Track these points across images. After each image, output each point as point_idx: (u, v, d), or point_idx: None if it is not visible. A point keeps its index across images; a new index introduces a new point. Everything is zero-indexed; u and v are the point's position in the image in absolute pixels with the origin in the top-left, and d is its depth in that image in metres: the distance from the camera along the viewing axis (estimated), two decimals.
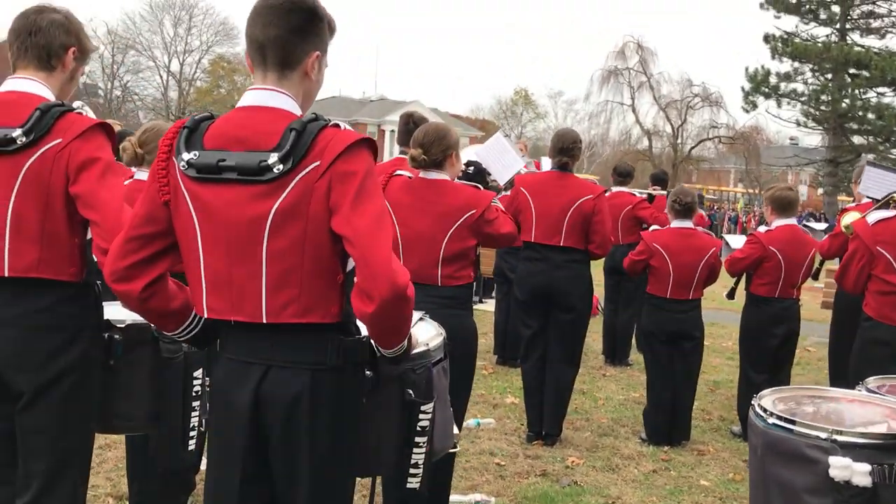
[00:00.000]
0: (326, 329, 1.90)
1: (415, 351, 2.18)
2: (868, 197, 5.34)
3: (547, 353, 5.00)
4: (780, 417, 2.17)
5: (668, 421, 5.22)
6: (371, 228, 1.79)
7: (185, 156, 1.85)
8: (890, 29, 35.26)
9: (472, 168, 3.75)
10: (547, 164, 5.71)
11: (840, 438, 2.05)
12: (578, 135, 5.06)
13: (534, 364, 5.04)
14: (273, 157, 1.80)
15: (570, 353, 4.99)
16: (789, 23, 36.19)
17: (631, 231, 7.31)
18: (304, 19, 1.92)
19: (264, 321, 1.86)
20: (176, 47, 51.68)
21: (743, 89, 36.54)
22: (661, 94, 40.98)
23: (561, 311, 4.88)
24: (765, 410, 2.23)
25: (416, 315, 2.74)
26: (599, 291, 8.57)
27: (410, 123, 4.07)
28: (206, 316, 1.94)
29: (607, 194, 7.94)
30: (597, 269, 8.36)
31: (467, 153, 4.47)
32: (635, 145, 43.23)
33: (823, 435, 2.05)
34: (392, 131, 48.00)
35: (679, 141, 41.29)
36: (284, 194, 1.81)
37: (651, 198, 7.68)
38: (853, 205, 5.70)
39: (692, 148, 41.47)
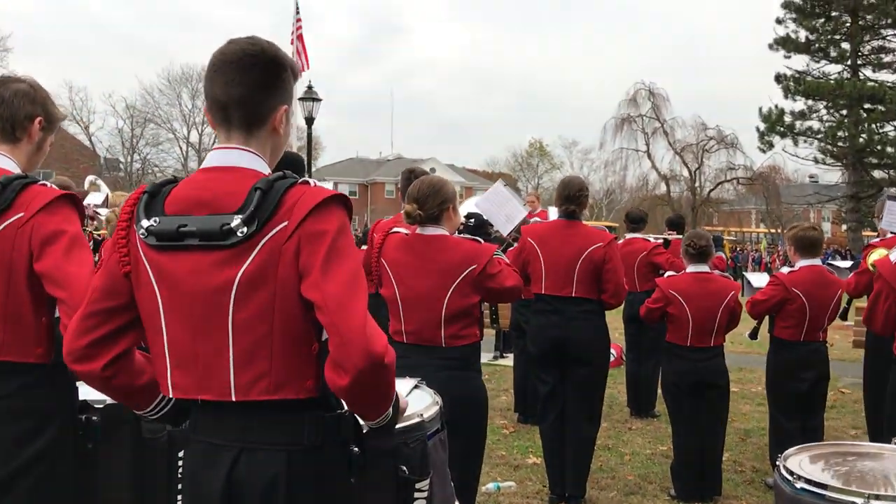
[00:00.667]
0: (302, 405, 1.74)
1: (408, 423, 2.02)
2: (892, 232, 5.15)
3: (566, 410, 4.78)
4: (809, 481, 1.96)
5: (697, 476, 4.96)
6: (342, 292, 1.65)
7: (145, 223, 1.73)
8: None
9: (472, 220, 3.61)
10: (554, 213, 5.56)
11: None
12: (584, 182, 4.93)
13: (553, 422, 4.82)
14: (236, 220, 1.67)
15: (590, 410, 4.77)
16: (800, 62, 36.35)
17: (647, 278, 7.12)
18: (268, 73, 1.82)
19: (233, 399, 1.72)
20: (194, 118, 52.82)
21: (758, 129, 36.61)
22: (676, 138, 41.02)
23: (577, 366, 4.67)
24: (792, 474, 2.02)
25: (411, 382, 2.59)
26: (622, 341, 8.38)
27: (412, 178, 3.95)
28: (170, 395, 1.79)
29: (621, 241, 7.86)
30: (617, 318, 8.21)
31: (467, 205, 4.34)
32: (653, 191, 43.14)
33: (860, 501, 1.84)
34: None
35: (697, 184, 41.13)
36: (250, 259, 1.68)
37: (667, 243, 7.50)
38: (878, 240, 5.49)
39: (711, 190, 41.27)
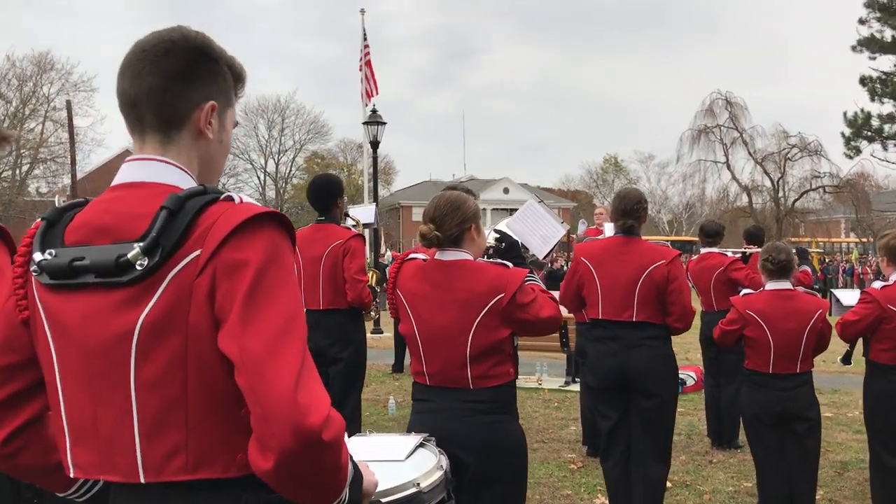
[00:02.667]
0: (234, 485, 1.35)
1: (401, 495, 1.61)
2: None
3: (631, 447, 4.29)
4: None
5: None
6: (266, 346, 1.25)
7: (38, 257, 1.37)
8: None
9: (503, 243, 3.16)
10: (610, 229, 5.07)
11: None
12: (643, 194, 4.44)
13: (617, 461, 4.33)
14: (134, 249, 1.29)
15: (658, 447, 4.25)
16: (886, 63, 34.63)
17: (725, 295, 6.51)
18: (189, 62, 1.44)
19: (142, 480, 1.33)
20: (271, 148, 54.10)
21: (843, 135, 35.04)
22: (756, 148, 39.45)
23: (642, 398, 4.18)
24: None
25: (417, 439, 2.18)
26: (701, 362, 7.77)
27: None
28: (72, 475, 1.42)
29: (696, 256, 7.29)
30: (695, 337, 7.61)
31: (500, 227, 3.91)
32: (734, 202, 41.65)
33: None
34: (484, 209, 47.90)
35: (780, 194, 39.46)
36: (153, 300, 1.30)
37: (746, 257, 6.90)
38: None
39: (795, 200, 39.52)
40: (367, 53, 20.81)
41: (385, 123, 18.22)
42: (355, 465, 1.43)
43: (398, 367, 11.36)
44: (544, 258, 3.88)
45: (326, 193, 5.15)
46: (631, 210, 4.23)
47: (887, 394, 4.39)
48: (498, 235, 3.27)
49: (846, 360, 4.89)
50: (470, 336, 2.75)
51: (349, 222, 5.48)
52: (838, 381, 9.38)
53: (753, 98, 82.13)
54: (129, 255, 1.29)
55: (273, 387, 1.24)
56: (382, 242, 28.22)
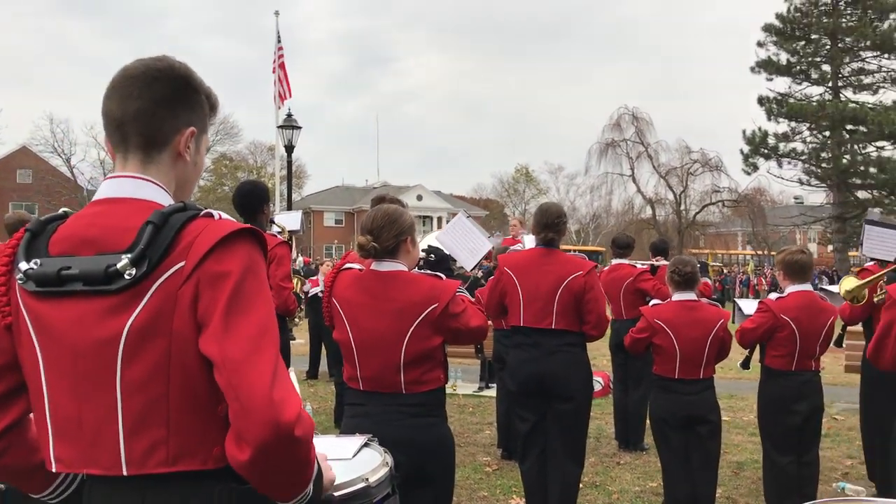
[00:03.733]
0: (210, 476, 1.47)
1: (351, 489, 1.74)
2: (872, 259, 4.94)
3: (548, 449, 4.50)
4: None
5: None
6: (245, 349, 1.39)
7: (24, 266, 1.46)
8: (882, 84, 35.51)
9: (432, 255, 3.32)
10: (531, 241, 5.31)
11: None
12: (563, 209, 4.67)
13: (534, 462, 4.53)
14: (123, 260, 1.41)
15: (573, 449, 4.48)
16: (782, 84, 36.59)
17: (634, 305, 6.87)
18: (174, 90, 1.57)
19: (125, 473, 1.44)
20: None
21: (742, 152, 36.69)
22: (661, 162, 41.02)
23: (559, 402, 4.39)
24: None
25: (361, 440, 2.31)
26: (609, 368, 8.10)
27: None
28: (54, 469, 1.51)
29: (607, 267, 7.62)
30: (605, 344, 7.94)
31: (427, 239, 4.07)
32: (639, 214, 43.06)
33: None
34: None
35: (682, 207, 41.09)
36: (140, 307, 1.42)
37: (654, 269, 7.26)
38: (870, 263, 5.29)
39: (696, 213, 41.23)
40: (281, 56, 20.68)
41: (300, 127, 18.13)
42: (318, 462, 1.56)
43: (313, 373, 11.36)
44: (472, 270, 4.05)
45: (253, 200, 5.17)
46: (552, 224, 4.45)
47: (779, 397, 4.74)
48: (429, 250, 3.42)
49: (745, 364, 5.25)
50: (404, 343, 2.90)
51: (274, 229, 5.51)
52: (734, 386, 9.92)
53: (659, 114, 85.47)
54: (119, 266, 1.41)
55: (251, 385, 1.37)
56: (294, 247, 27.95)
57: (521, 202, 66.60)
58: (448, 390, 10.17)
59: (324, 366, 11.21)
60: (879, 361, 3.31)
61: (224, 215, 1.52)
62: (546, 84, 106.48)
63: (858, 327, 5.70)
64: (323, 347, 10.58)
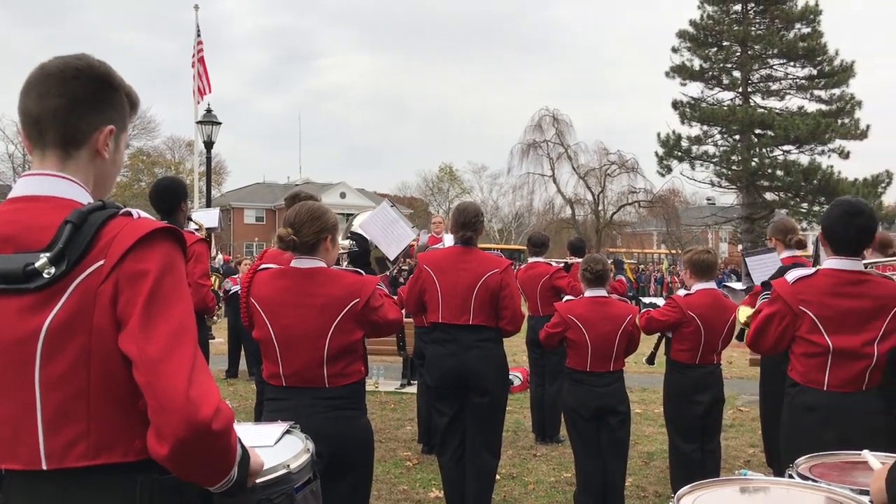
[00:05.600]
0: (133, 467, 1.51)
1: (272, 476, 1.80)
2: (745, 291, 5.27)
3: (466, 441, 4.62)
4: None
5: (599, 503, 4.87)
6: (162, 347, 1.43)
7: None
8: (788, 91, 37.13)
9: (354, 243, 3.40)
10: (450, 239, 5.43)
11: None
12: (480, 208, 4.81)
13: (452, 455, 4.65)
14: (42, 259, 1.43)
15: (490, 441, 4.62)
16: (695, 89, 37.84)
17: (549, 302, 7.04)
18: (93, 88, 1.59)
19: (44, 468, 1.46)
20: None
21: (657, 154, 37.76)
22: (580, 163, 41.86)
23: (476, 395, 4.52)
24: None
25: (283, 426, 2.37)
26: (528, 364, 8.30)
27: (295, 203, 3.73)
28: None
29: (524, 265, 7.81)
30: (523, 341, 8.13)
31: (353, 227, 4.13)
32: (559, 214, 43.83)
33: None
34: None
35: (600, 208, 42.04)
36: (59, 305, 1.44)
37: (568, 267, 7.49)
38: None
39: (613, 214, 42.25)
40: (201, 50, 20.32)
41: (220, 123, 17.84)
42: (244, 447, 1.62)
43: (233, 372, 11.24)
44: (394, 259, 4.12)
45: (170, 196, 5.12)
46: (469, 223, 4.58)
47: (684, 388, 5.00)
48: (353, 236, 3.49)
49: (650, 360, 5.49)
50: (328, 338, 2.97)
51: (192, 226, 5.47)
52: (647, 380, 10.27)
53: (579, 115, 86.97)
54: (37, 265, 1.43)
55: (168, 383, 1.41)
56: (213, 245, 27.46)
57: (445, 201, 66.90)
58: (370, 388, 10.27)
59: (243, 364, 11.10)
60: (760, 348, 3.56)
61: (143, 214, 1.55)
62: (470, 84, 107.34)
63: None
64: (242, 346, 10.48)
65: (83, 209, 1.50)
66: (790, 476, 2.31)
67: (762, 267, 5.29)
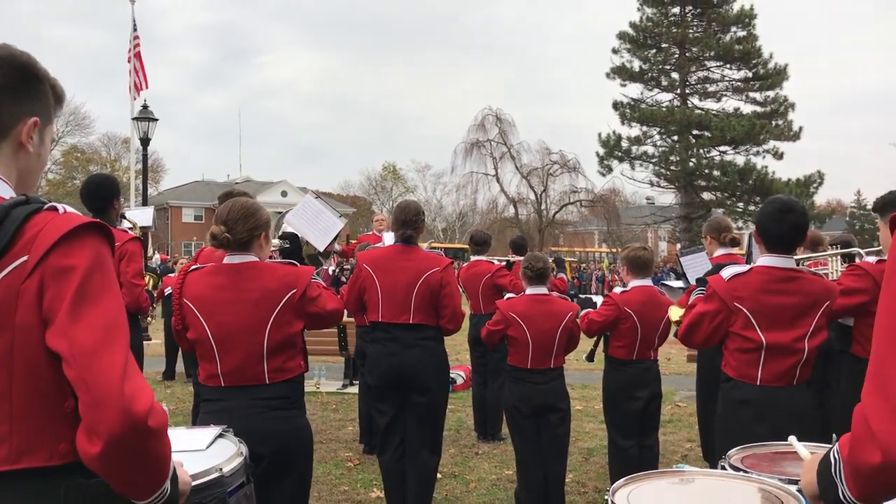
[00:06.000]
0: (57, 472, 1.45)
1: (205, 479, 1.75)
2: (682, 289, 5.39)
3: (406, 440, 4.60)
4: None
5: (541, 500, 4.90)
6: (94, 341, 1.38)
7: None
8: (724, 93, 38.03)
9: (286, 241, 3.36)
10: (390, 238, 5.41)
11: None
12: (420, 206, 4.79)
13: (393, 454, 4.62)
14: None
15: (430, 439, 4.61)
16: (635, 90, 38.47)
17: (491, 300, 7.07)
18: (14, 78, 1.53)
19: None
20: None
21: (598, 154, 38.26)
22: (523, 163, 42.31)
23: (416, 394, 4.51)
24: None
25: (215, 430, 2.32)
26: (470, 363, 8.32)
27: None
28: None
29: (466, 264, 7.83)
30: (465, 340, 8.15)
31: (281, 226, 4.07)
32: (502, 213, 44.17)
33: None
34: None
35: (543, 207, 42.50)
36: None
37: (510, 265, 7.53)
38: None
39: (556, 213, 42.77)
40: (137, 45, 19.87)
41: (157, 119, 17.48)
42: (173, 464, 1.56)
43: (170, 374, 11.02)
44: (325, 250, 4.06)
45: (102, 194, 4.98)
46: (409, 221, 4.55)
47: (622, 384, 5.06)
48: (283, 236, 3.45)
49: (590, 357, 5.56)
50: (266, 332, 2.92)
51: (125, 225, 5.33)
52: (587, 377, 10.39)
53: (522, 115, 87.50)
54: None
55: (102, 377, 1.36)
56: (150, 244, 26.87)
57: (388, 200, 66.65)
58: (312, 388, 10.17)
59: (180, 366, 10.89)
60: (691, 342, 3.63)
61: (69, 209, 1.49)
62: (414, 83, 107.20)
63: None
64: (180, 348, 10.29)
65: (6, 204, 1.44)
66: (722, 467, 2.36)
67: (695, 265, 5.40)
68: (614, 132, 37.84)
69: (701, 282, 4.11)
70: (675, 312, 4.63)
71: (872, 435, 1.31)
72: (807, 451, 1.99)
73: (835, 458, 1.45)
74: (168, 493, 1.51)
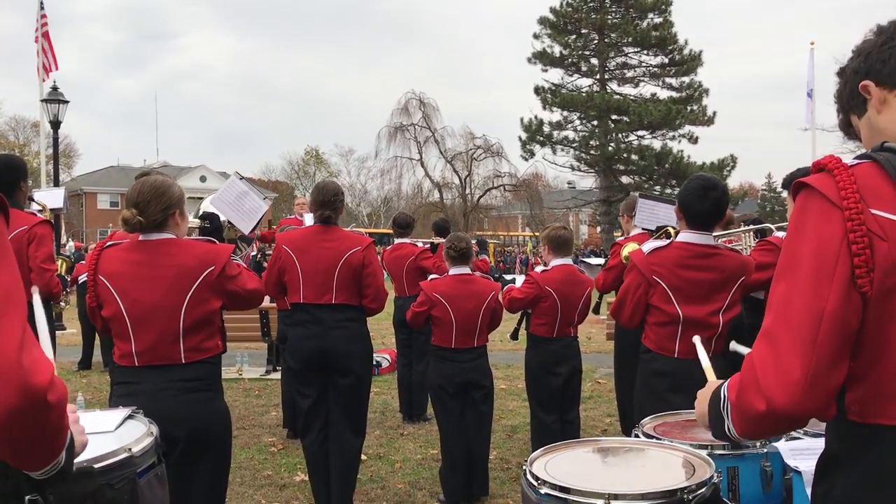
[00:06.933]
0: None
1: (113, 460, 1.70)
2: (643, 228, 5.47)
3: (329, 422, 4.58)
4: (553, 486, 1.90)
5: (465, 477, 4.97)
6: None
7: None
8: (642, 78, 38.81)
9: (207, 222, 3.27)
10: (310, 219, 5.35)
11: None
12: (339, 186, 4.74)
13: (316, 437, 4.59)
14: None
15: (354, 421, 4.58)
16: (556, 75, 38.89)
17: (416, 282, 7.10)
18: None
19: None
20: None
21: (520, 139, 38.57)
22: (447, 147, 42.34)
23: (339, 376, 4.48)
24: (537, 479, 1.95)
25: (125, 412, 2.27)
26: (395, 346, 8.33)
27: None
28: None
29: (390, 246, 7.81)
30: (389, 322, 8.14)
31: (203, 205, 3.98)
32: (427, 198, 44.16)
33: (600, 502, 1.81)
34: None
35: (467, 191, 42.68)
36: None
37: (434, 247, 7.55)
38: (623, 238, 5.83)
39: (480, 197, 43.00)
40: (45, 24, 19.00)
41: (68, 102, 16.81)
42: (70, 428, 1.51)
43: (86, 363, 10.66)
44: (250, 233, 3.99)
45: (8, 175, 4.76)
46: (328, 201, 4.50)
47: (543, 361, 5.15)
48: (203, 216, 3.37)
49: (514, 335, 5.63)
50: (183, 310, 2.86)
51: (34, 207, 5.13)
52: (511, 357, 10.54)
53: (446, 100, 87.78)
54: None
55: None
56: (63, 232, 25.87)
57: (311, 184, 65.72)
58: (234, 375, 9.99)
59: (97, 356, 10.56)
60: (620, 318, 3.72)
61: None
62: (336, 66, 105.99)
63: (613, 297, 6.29)
64: (96, 336, 9.97)
65: None
66: (636, 435, 2.43)
67: (651, 215, 5.41)
68: (536, 117, 38.24)
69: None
70: (628, 248, 4.71)
71: (758, 384, 1.42)
72: (708, 361, 2.08)
73: (723, 397, 1.55)
74: (62, 464, 1.46)
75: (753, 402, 1.42)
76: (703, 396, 1.70)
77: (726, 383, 1.56)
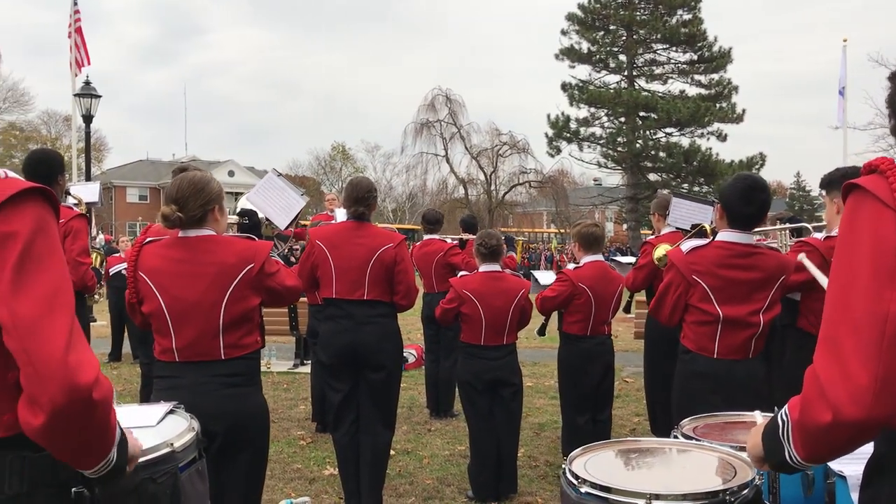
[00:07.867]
0: (1, 445, 1.41)
1: (155, 455, 1.72)
2: (677, 227, 5.43)
3: (360, 417, 4.60)
4: (594, 485, 1.89)
5: (493, 474, 4.96)
6: (37, 310, 1.34)
7: None
8: (670, 75, 38.47)
9: (246, 218, 3.30)
10: (342, 215, 5.36)
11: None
12: (372, 183, 4.75)
13: (346, 431, 4.61)
14: None
15: (384, 415, 4.60)
16: (583, 71, 38.65)
17: (444, 278, 7.10)
18: None
19: None
20: None
21: (547, 135, 38.41)
22: (472, 143, 42.22)
23: (370, 371, 4.49)
24: (577, 478, 1.94)
25: (166, 407, 2.29)
26: (422, 341, 8.35)
27: None
28: None
29: (419, 243, 7.82)
30: (417, 318, 8.15)
31: (240, 203, 4.01)
32: (452, 194, 44.12)
33: (641, 502, 1.80)
34: None
35: (493, 188, 42.58)
36: None
37: (462, 243, 7.55)
38: (654, 237, 5.79)
39: (505, 193, 42.87)
40: (78, 20, 19.23)
41: (100, 96, 17.02)
42: (122, 430, 1.53)
43: (116, 355, 10.80)
44: (286, 228, 4.02)
45: (46, 169, 4.81)
46: (362, 198, 4.51)
47: (577, 359, 5.13)
48: (242, 213, 3.39)
49: (541, 331, 5.61)
50: (223, 306, 2.88)
51: (70, 201, 5.19)
52: (538, 354, 10.53)
53: (471, 96, 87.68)
54: None
55: (45, 347, 1.32)
56: (94, 225, 26.21)
57: (337, 180, 66.09)
58: (263, 368, 10.06)
59: (127, 347, 10.68)
60: (658, 315, 3.68)
61: (11, 174, 1.44)
62: (363, 62, 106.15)
63: (643, 296, 6.24)
64: (126, 328, 10.08)
65: None
66: (675, 436, 2.41)
67: (686, 214, 5.36)
68: (563, 113, 38.03)
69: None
70: (661, 249, 4.68)
71: (824, 394, 1.36)
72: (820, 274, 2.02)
73: (783, 420, 1.51)
74: (114, 462, 1.48)
75: (819, 414, 1.36)
76: (754, 431, 1.67)
77: (785, 407, 1.50)
